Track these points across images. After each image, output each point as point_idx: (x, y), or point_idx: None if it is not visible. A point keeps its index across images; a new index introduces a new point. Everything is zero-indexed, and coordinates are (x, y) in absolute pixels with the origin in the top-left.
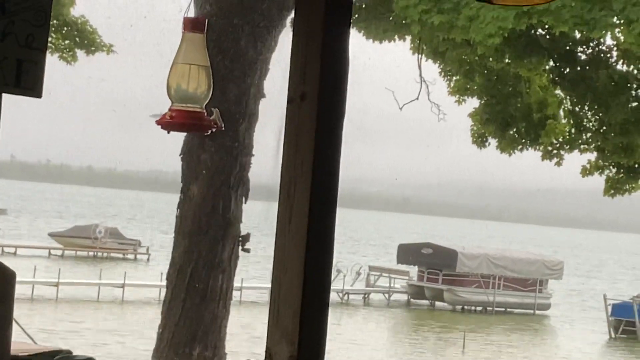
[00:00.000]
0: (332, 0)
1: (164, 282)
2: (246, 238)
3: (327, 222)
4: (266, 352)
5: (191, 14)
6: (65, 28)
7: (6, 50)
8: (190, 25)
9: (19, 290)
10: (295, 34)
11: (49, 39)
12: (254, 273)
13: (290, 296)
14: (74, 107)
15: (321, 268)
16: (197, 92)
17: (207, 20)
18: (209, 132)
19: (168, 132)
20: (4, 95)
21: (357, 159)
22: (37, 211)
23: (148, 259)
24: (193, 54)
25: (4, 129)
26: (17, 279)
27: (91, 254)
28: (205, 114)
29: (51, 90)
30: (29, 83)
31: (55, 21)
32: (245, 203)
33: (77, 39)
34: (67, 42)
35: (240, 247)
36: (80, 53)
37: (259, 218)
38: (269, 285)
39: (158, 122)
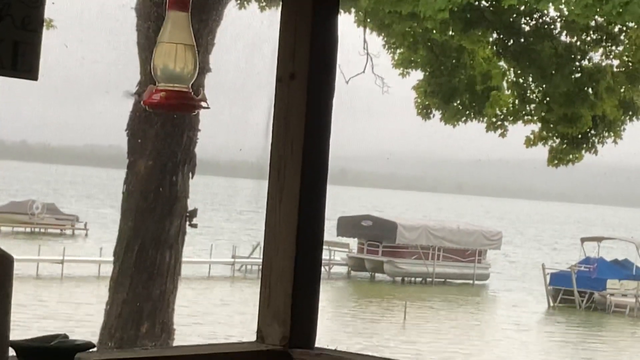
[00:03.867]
0: None
1: (104, 258)
2: (193, 213)
3: (318, 202)
4: (257, 333)
5: None
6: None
7: (3, 33)
8: (175, 3)
9: None
10: (284, 14)
11: None
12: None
13: (282, 277)
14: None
15: (312, 248)
16: (184, 71)
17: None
18: (195, 112)
19: (150, 110)
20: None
21: None
22: None
23: (86, 234)
24: (178, 32)
25: None
26: None
27: (28, 230)
28: (192, 93)
29: None
30: (25, 65)
31: None
32: (192, 178)
33: None
34: None
35: (187, 223)
36: None
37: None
38: (210, 260)
39: (145, 103)
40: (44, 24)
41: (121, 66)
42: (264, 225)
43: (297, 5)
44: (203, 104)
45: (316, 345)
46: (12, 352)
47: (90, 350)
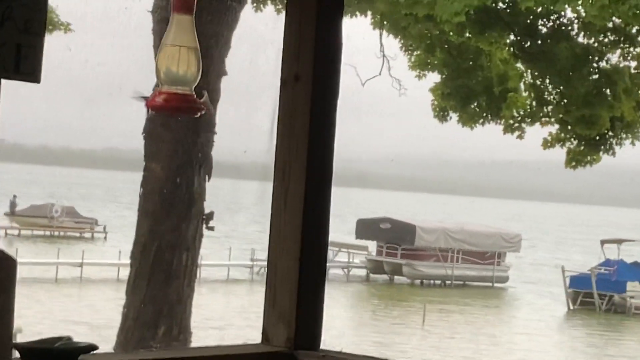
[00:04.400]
0: None
1: (122, 261)
2: (210, 216)
3: (322, 205)
4: (263, 334)
5: None
6: None
7: (5, 36)
8: (179, 6)
9: None
10: (288, 15)
11: None
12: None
13: (286, 279)
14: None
15: (317, 250)
16: (187, 74)
17: (196, 1)
18: (199, 114)
19: (149, 113)
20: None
21: None
22: None
23: (105, 238)
24: (182, 35)
25: None
26: None
27: (47, 233)
28: (195, 96)
29: None
30: (28, 68)
31: None
32: (208, 181)
33: None
34: None
35: (204, 225)
36: None
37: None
38: (228, 263)
39: (148, 105)
40: (63, 27)
41: (136, 70)
42: (269, 226)
43: (301, 6)
44: (205, 106)
45: (327, 347)
46: (16, 354)
47: (93, 352)
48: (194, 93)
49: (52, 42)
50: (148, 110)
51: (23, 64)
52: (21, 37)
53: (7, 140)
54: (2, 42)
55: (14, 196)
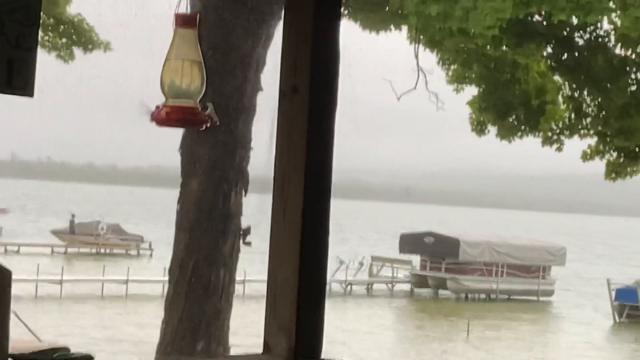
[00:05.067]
0: None
1: (167, 277)
2: (247, 231)
3: (321, 215)
4: (264, 344)
5: (182, 9)
6: (61, 26)
7: None
8: (182, 21)
9: (23, 289)
10: (285, 28)
11: (47, 38)
12: (259, 266)
13: (286, 289)
14: (69, 105)
15: (316, 260)
16: (190, 87)
17: (198, 16)
18: (204, 127)
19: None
20: None
21: (356, 150)
22: (39, 209)
23: (151, 255)
24: (185, 49)
25: (3, 129)
26: (21, 277)
27: (94, 250)
28: (200, 109)
29: (44, 89)
30: (20, 82)
31: (51, 20)
32: (245, 196)
33: (74, 37)
34: (64, 40)
35: (241, 241)
36: (77, 51)
37: (255, 211)
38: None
39: (153, 119)
40: (103, 46)
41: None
42: (269, 237)
43: (298, 20)
44: (210, 118)
45: (329, 357)
46: None
47: None
48: (198, 105)
49: (93, 61)
50: (155, 124)
51: (15, 78)
52: (13, 52)
53: (54, 159)
54: None
55: (73, 215)
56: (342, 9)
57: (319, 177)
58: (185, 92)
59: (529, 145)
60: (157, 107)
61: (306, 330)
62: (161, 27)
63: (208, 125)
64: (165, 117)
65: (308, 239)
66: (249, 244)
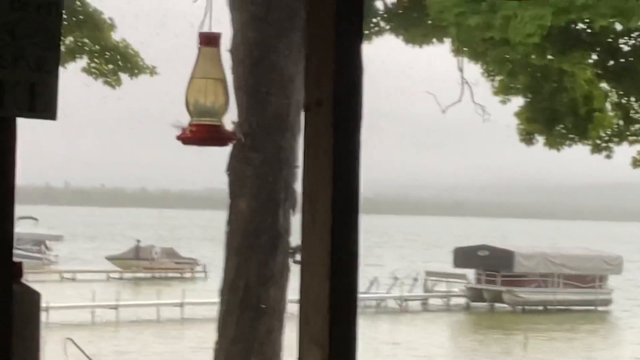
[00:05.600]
0: (343, 5)
1: None
2: (297, 249)
3: (350, 226)
4: (298, 358)
5: (206, 29)
6: (107, 53)
7: (18, 75)
8: (206, 39)
9: (80, 316)
10: (308, 41)
11: (93, 65)
12: None
13: (318, 301)
14: (114, 130)
15: (347, 271)
16: (215, 105)
17: (221, 35)
18: (229, 144)
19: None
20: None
21: (405, 165)
22: (93, 235)
23: (205, 277)
24: (209, 68)
25: (58, 157)
26: (77, 304)
27: (149, 275)
28: (224, 126)
29: (94, 118)
30: (42, 106)
31: (96, 46)
32: (293, 214)
33: (119, 63)
34: (110, 66)
35: (291, 259)
36: (123, 76)
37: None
38: None
39: (179, 137)
40: (149, 71)
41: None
42: (301, 249)
43: (320, 31)
44: (236, 136)
45: None
46: None
47: None
48: (223, 123)
49: (139, 86)
50: (182, 142)
51: (38, 102)
52: (34, 76)
53: (107, 186)
54: (15, 81)
55: (138, 241)
56: (363, 18)
57: (347, 189)
58: (209, 110)
59: (579, 153)
60: (185, 125)
61: (339, 343)
62: (182, 45)
63: (233, 143)
64: (191, 136)
65: (338, 252)
66: (299, 262)
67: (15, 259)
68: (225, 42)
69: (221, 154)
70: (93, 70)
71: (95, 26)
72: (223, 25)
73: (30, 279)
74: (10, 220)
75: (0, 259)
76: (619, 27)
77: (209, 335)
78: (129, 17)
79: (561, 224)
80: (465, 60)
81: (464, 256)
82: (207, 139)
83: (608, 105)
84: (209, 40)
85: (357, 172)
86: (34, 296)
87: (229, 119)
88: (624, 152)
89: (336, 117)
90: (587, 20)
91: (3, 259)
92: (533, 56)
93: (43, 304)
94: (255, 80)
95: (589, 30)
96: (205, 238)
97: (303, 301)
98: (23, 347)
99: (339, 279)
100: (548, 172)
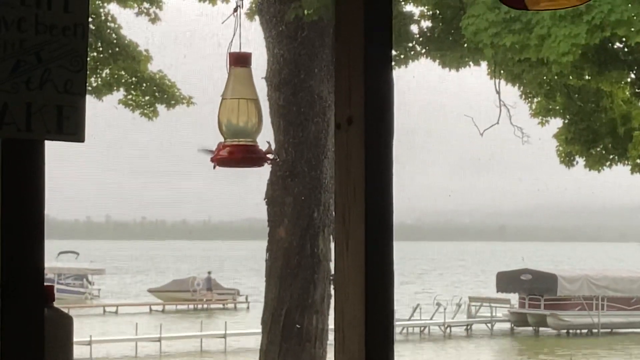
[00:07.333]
0: (371, 22)
1: None
2: None
3: (384, 246)
4: None
5: (235, 48)
6: (144, 84)
7: (45, 98)
8: (236, 60)
9: (123, 350)
10: (337, 60)
11: (130, 97)
12: None
13: (353, 322)
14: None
15: (382, 291)
16: (247, 125)
17: (251, 54)
18: (264, 165)
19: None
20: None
21: (448, 191)
22: (135, 268)
23: (248, 307)
24: (240, 88)
25: (99, 192)
26: (120, 337)
27: (191, 306)
28: (258, 146)
29: (130, 146)
30: (70, 128)
31: (133, 78)
32: (333, 241)
33: (156, 94)
34: (147, 98)
35: (332, 286)
36: (160, 107)
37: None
38: None
39: (213, 160)
40: (185, 101)
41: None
42: (334, 270)
43: (349, 49)
44: (270, 156)
45: None
46: None
47: None
48: (257, 143)
49: (174, 117)
50: (214, 166)
51: (65, 124)
52: (61, 98)
53: (148, 218)
54: (42, 104)
55: (209, 272)
56: (392, 32)
57: (379, 207)
58: (242, 130)
59: (619, 174)
60: (217, 147)
61: None
62: (211, 67)
63: (269, 163)
64: (225, 157)
65: (373, 270)
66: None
67: (57, 295)
68: (255, 61)
69: (258, 183)
70: (130, 102)
71: (131, 58)
72: (252, 44)
73: (73, 313)
74: (40, 244)
75: (31, 282)
76: None
77: None
78: (157, 39)
79: (605, 246)
80: (503, 82)
81: (507, 280)
82: (241, 159)
83: None
84: (239, 60)
85: (390, 190)
86: (66, 320)
87: (264, 139)
88: None
89: (368, 135)
90: (623, 38)
91: (35, 283)
92: (570, 77)
93: (86, 339)
94: (294, 104)
95: (625, 49)
96: (247, 268)
97: (338, 323)
98: None
99: (374, 300)
100: (591, 193)
